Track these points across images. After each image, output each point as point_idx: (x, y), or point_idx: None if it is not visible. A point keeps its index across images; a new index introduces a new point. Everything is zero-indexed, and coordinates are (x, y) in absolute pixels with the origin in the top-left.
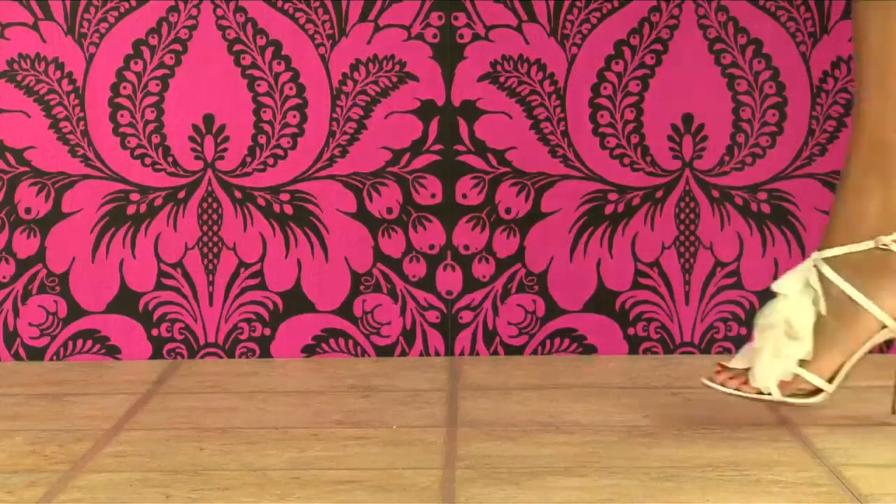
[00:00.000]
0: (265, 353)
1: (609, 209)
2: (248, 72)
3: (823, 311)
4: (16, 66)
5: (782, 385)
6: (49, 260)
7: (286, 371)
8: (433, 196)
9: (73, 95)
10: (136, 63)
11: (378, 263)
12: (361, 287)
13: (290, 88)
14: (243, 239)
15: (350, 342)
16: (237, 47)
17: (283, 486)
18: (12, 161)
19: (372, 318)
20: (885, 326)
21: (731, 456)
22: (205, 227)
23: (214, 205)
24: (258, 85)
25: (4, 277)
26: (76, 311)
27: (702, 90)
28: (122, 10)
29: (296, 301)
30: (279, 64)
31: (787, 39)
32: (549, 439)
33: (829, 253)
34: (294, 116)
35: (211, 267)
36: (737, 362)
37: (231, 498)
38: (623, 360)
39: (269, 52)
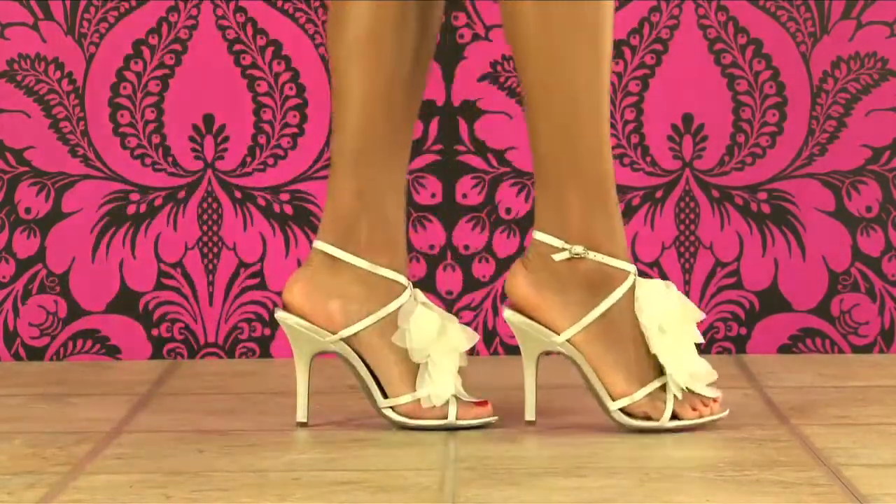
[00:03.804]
0: (265, 353)
1: None
2: (248, 72)
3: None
4: (16, 66)
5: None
6: (49, 260)
7: (286, 371)
8: (433, 196)
9: (73, 95)
10: (136, 63)
11: None
12: None
13: (290, 88)
14: (243, 239)
15: None
16: (237, 47)
17: (283, 487)
18: (12, 161)
19: None
20: None
21: (731, 456)
22: (205, 227)
23: (214, 205)
24: (258, 85)
25: (4, 277)
26: (76, 311)
27: (702, 90)
28: (122, 10)
29: None
30: (279, 64)
31: (787, 39)
32: (549, 440)
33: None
34: (294, 116)
35: (211, 267)
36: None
37: (231, 499)
38: None
39: (269, 52)
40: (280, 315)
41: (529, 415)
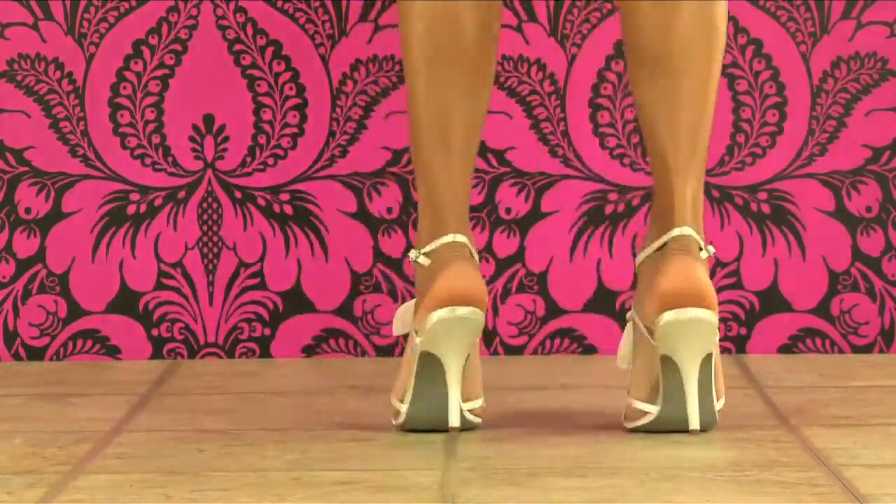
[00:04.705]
0: (265, 353)
1: (609, 209)
2: (248, 72)
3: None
4: (16, 66)
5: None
6: (49, 260)
7: (286, 371)
8: None
9: (73, 95)
10: (136, 63)
11: (378, 263)
12: (361, 287)
13: (290, 88)
14: (243, 239)
15: (350, 342)
16: (237, 47)
17: (283, 487)
18: (12, 161)
19: (372, 318)
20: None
21: (731, 456)
22: (205, 227)
23: (214, 205)
24: (258, 85)
25: (4, 277)
26: (76, 311)
27: None
28: (122, 10)
29: (296, 301)
30: (279, 64)
31: (787, 39)
32: (549, 440)
33: None
34: (294, 116)
35: (211, 267)
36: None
37: (231, 499)
38: None
39: (269, 52)
40: (470, 311)
41: (694, 423)
